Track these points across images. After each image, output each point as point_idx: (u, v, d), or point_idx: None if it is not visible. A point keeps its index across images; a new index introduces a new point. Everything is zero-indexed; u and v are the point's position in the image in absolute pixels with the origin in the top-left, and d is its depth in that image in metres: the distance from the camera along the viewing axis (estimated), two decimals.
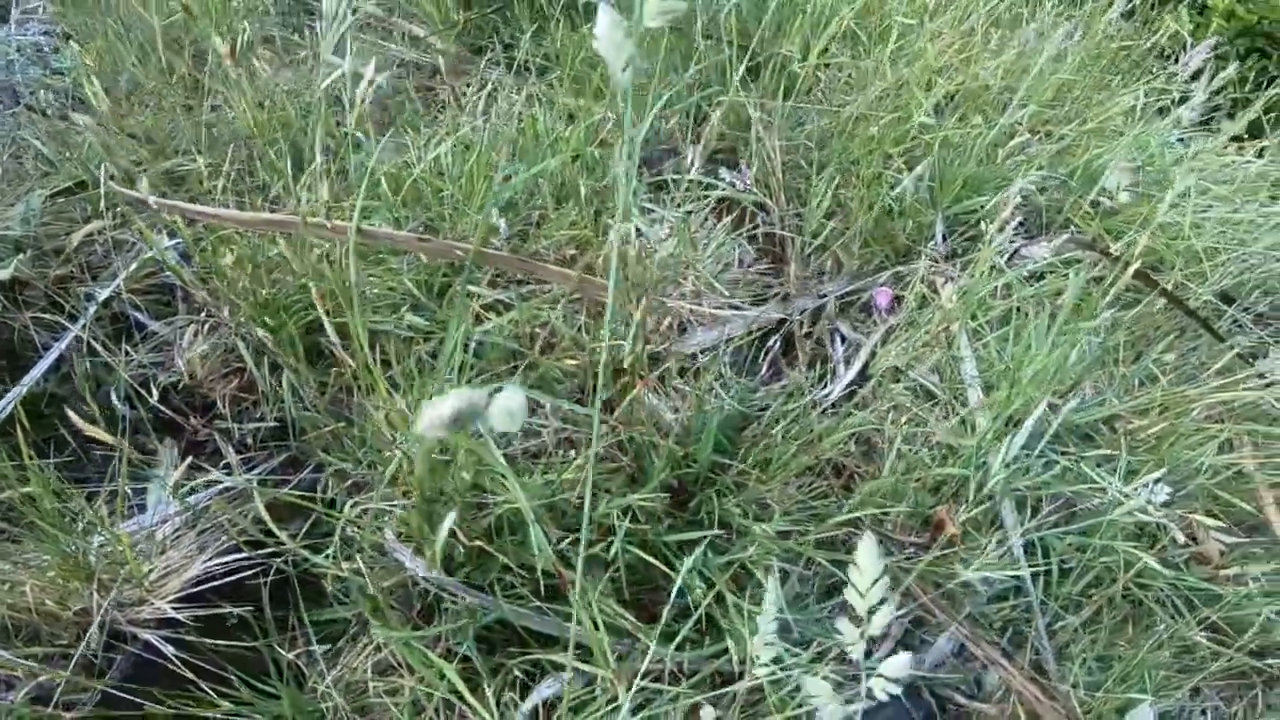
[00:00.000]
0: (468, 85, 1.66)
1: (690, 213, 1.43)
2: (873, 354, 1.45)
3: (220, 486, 1.30)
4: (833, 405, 1.42)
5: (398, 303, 1.38)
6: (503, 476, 1.09)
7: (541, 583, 1.10)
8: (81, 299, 1.40)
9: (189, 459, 1.26)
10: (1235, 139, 1.89)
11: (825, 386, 1.42)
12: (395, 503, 1.15)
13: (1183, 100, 1.84)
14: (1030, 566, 1.39)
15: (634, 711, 1.07)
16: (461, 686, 1.08)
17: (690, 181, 1.45)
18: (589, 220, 1.34)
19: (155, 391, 1.32)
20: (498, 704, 1.12)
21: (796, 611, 1.27)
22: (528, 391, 1.21)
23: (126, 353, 1.37)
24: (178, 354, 1.37)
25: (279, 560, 1.21)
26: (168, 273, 1.40)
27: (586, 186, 1.39)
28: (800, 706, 1.12)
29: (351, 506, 1.19)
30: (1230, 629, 1.53)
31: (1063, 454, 1.42)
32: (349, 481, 1.23)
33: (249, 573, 1.22)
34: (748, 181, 1.56)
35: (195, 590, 1.21)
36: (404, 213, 1.43)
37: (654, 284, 1.36)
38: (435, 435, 0.42)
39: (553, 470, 1.15)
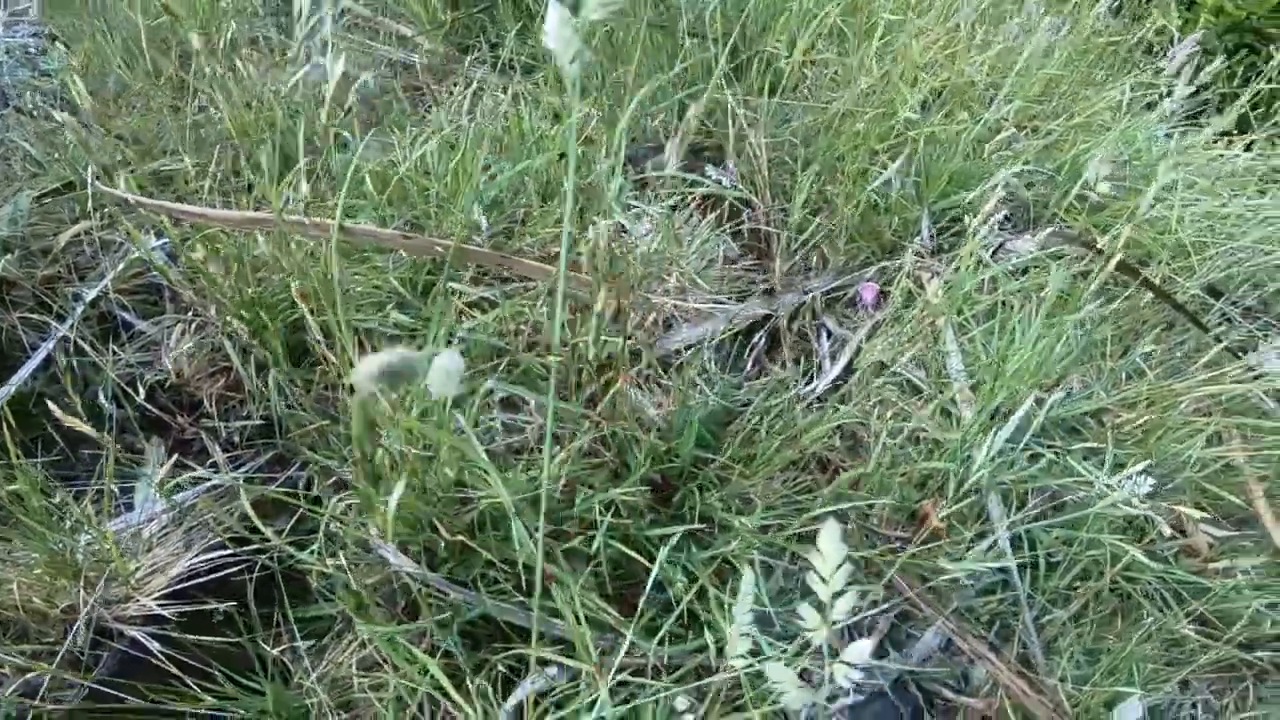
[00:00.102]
0: (454, 84, 1.67)
1: (674, 209, 1.44)
2: (858, 349, 1.45)
3: (207, 485, 1.31)
4: (818, 400, 1.42)
5: (383, 301, 1.39)
6: (484, 471, 1.10)
7: (522, 577, 1.10)
8: (69, 299, 1.41)
9: (175, 457, 1.27)
10: (1224, 134, 1.90)
11: (810, 382, 1.42)
12: (379, 498, 1.16)
13: (1169, 95, 1.84)
14: (1017, 560, 1.39)
15: (615, 706, 1.07)
16: (445, 682, 1.08)
17: (673, 178, 1.45)
18: (574, 217, 1.35)
19: (142, 390, 1.32)
20: (482, 699, 1.12)
21: (780, 605, 1.28)
22: (510, 388, 1.21)
23: (114, 352, 1.38)
24: (165, 353, 1.38)
25: (264, 557, 1.22)
26: (155, 273, 1.41)
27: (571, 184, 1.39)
28: (779, 700, 1.12)
29: (337, 503, 1.20)
30: (1219, 622, 1.53)
31: (1049, 447, 1.42)
32: (334, 478, 1.24)
33: (234, 569, 1.23)
34: (734, 179, 1.57)
35: (181, 587, 1.21)
36: (389, 211, 1.44)
37: (638, 279, 1.36)
38: (367, 389, 0.43)
39: (535, 465, 1.16)
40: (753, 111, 1.59)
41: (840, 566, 0.58)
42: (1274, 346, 1.68)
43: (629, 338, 1.36)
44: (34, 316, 1.38)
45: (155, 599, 1.21)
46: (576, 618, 1.09)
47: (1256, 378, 1.59)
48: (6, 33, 1.61)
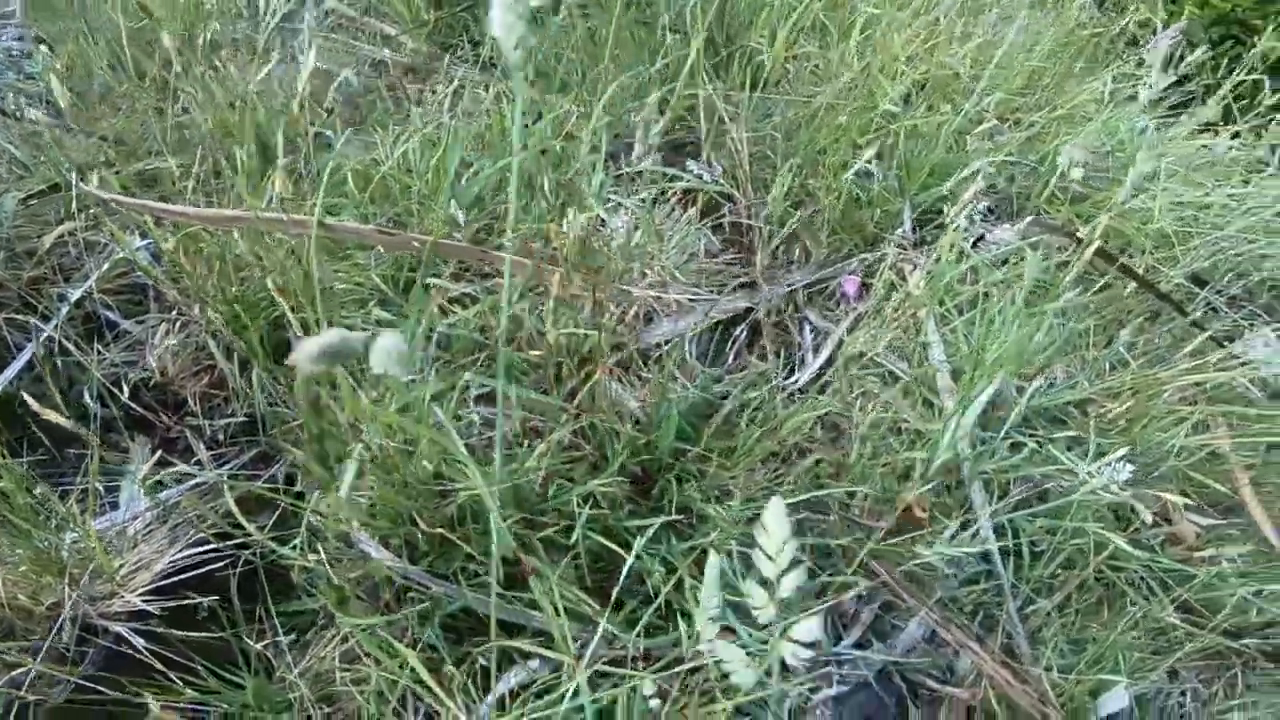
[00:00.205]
0: (438, 83, 1.68)
1: (655, 202, 1.45)
2: (840, 341, 1.46)
3: (192, 482, 1.32)
4: (799, 392, 1.43)
5: (365, 298, 1.40)
6: (461, 464, 1.10)
7: (501, 570, 1.11)
8: (54, 300, 1.42)
9: (158, 455, 1.28)
10: (1209, 126, 1.90)
11: (792, 374, 1.43)
12: (356, 492, 1.16)
13: (1149, 85, 1.85)
14: (1000, 547, 1.40)
15: (593, 695, 1.08)
16: (425, 675, 1.09)
17: (654, 172, 1.46)
18: (555, 212, 1.36)
19: (126, 389, 1.34)
20: (463, 693, 1.13)
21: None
22: (488, 382, 1.22)
23: (98, 352, 1.39)
24: (149, 352, 1.39)
25: (246, 553, 1.23)
26: (139, 272, 1.42)
27: (551, 179, 1.40)
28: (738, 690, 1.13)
29: (318, 498, 1.21)
30: (1205, 610, 1.54)
31: (1031, 437, 1.42)
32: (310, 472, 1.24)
33: (218, 565, 1.24)
34: (716, 173, 1.57)
35: (165, 583, 1.22)
36: (372, 209, 1.45)
37: (617, 272, 1.37)
38: (307, 369, 0.44)
39: (515, 459, 1.17)
40: (734, 106, 1.60)
41: (786, 544, 0.59)
42: (1259, 334, 1.69)
43: (611, 331, 1.37)
44: (19, 317, 1.39)
45: (139, 595, 1.22)
46: (555, 609, 1.10)
47: (1241, 365, 1.59)
48: None
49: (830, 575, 1.27)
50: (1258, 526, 1.66)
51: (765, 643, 0.65)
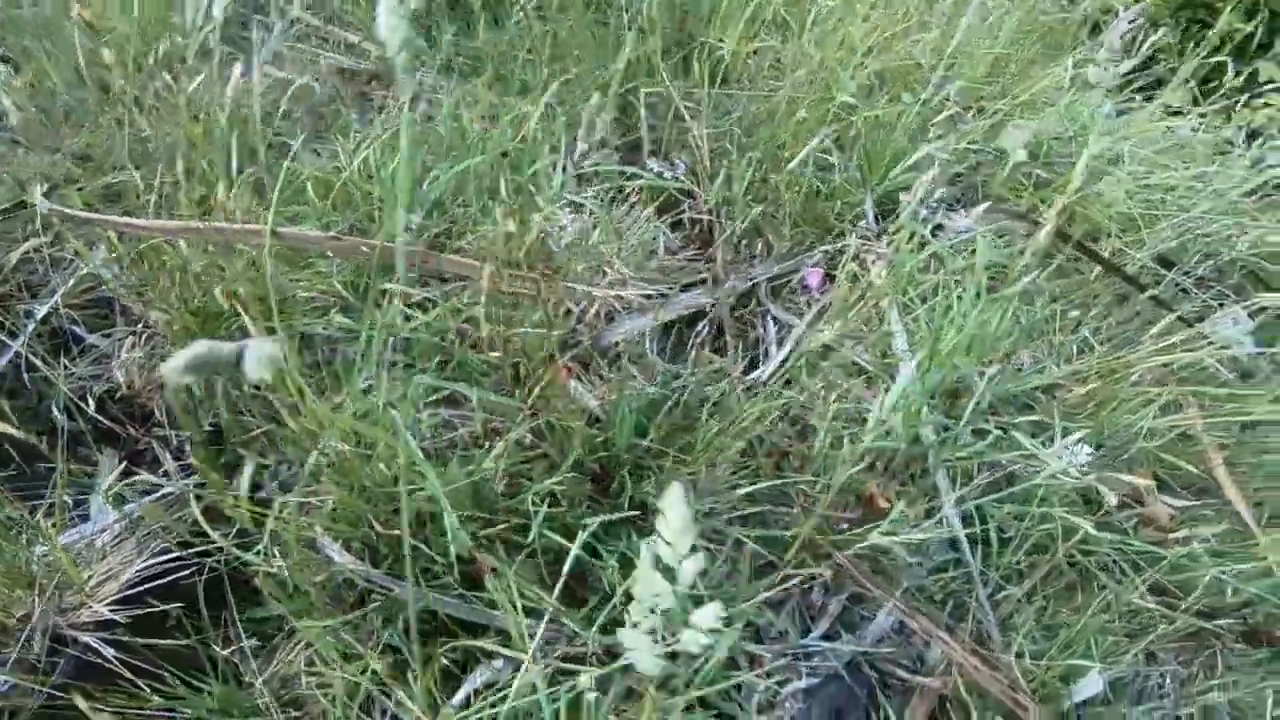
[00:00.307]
0: (419, 87, 1.69)
1: (613, 201, 1.46)
2: (804, 334, 1.47)
3: (160, 492, 1.33)
4: (764, 386, 1.43)
5: (328, 305, 1.41)
6: (415, 465, 1.11)
7: (458, 570, 1.12)
8: (21, 316, 1.44)
9: (123, 465, 1.29)
10: (1175, 113, 1.90)
11: (755, 367, 1.44)
12: (319, 498, 1.18)
13: (1127, 70, 1.85)
14: (967, 535, 1.40)
15: (550, 692, 1.09)
16: (386, 677, 1.10)
17: (611, 171, 1.47)
18: (516, 214, 1.36)
19: (92, 402, 1.35)
20: (426, 695, 1.14)
21: (729, 589, 1.29)
22: (441, 383, 1.23)
23: (66, 366, 1.41)
24: (115, 365, 1.40)
25: (211, 560, 1.24)
26: (105, 287, 1.43)
27: (510, 182, 1.41)
28: (713, 683, 1.14)
29: (281, 505, 1.22)
30: (1180, 592, 1.53)
31: (997, 423, 1.43)
32: (277, 481, 1.26)
33: (185, 573, 1.25)
34: (678, 170, 1.58)
35: (132, 592, 1.24)
36: (334, 216, 1.46)
37: (578, 272, 1.38)
38: (176, 380, 0.45)
39: (472, 460, 1.18)
40: (695, 103, 1.60)
41: (685, 530, 0.60)
42: (1229, 313, 1.69)
43: (570, 330, 1.38)
44: None
45: (107, 605, 1.23)
46: (514, 607, 1.11)
47: (1210, 345, 1.59)
48: None
49: (794, 568, 1.28)
50: (1232, 506, 1.66)
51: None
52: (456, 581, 1.18)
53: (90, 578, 1.26)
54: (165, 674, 1.17)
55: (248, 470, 0.81)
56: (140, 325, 1.43)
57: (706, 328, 1.44)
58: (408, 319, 1.35)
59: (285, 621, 1.25)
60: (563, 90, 1.51)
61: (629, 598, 1.19)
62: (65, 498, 1.32)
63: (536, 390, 1.16)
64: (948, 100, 1.62)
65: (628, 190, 1.50)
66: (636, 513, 1.15)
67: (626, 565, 1.16)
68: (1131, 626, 1.49)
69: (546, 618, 1.03)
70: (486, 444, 1.24)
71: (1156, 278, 1.71)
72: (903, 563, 1.32)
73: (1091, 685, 1.44)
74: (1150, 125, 1.76)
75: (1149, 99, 1.86)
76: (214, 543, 1.20)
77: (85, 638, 1.22)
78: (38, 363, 1.39)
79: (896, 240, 1.41)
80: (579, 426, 1.17)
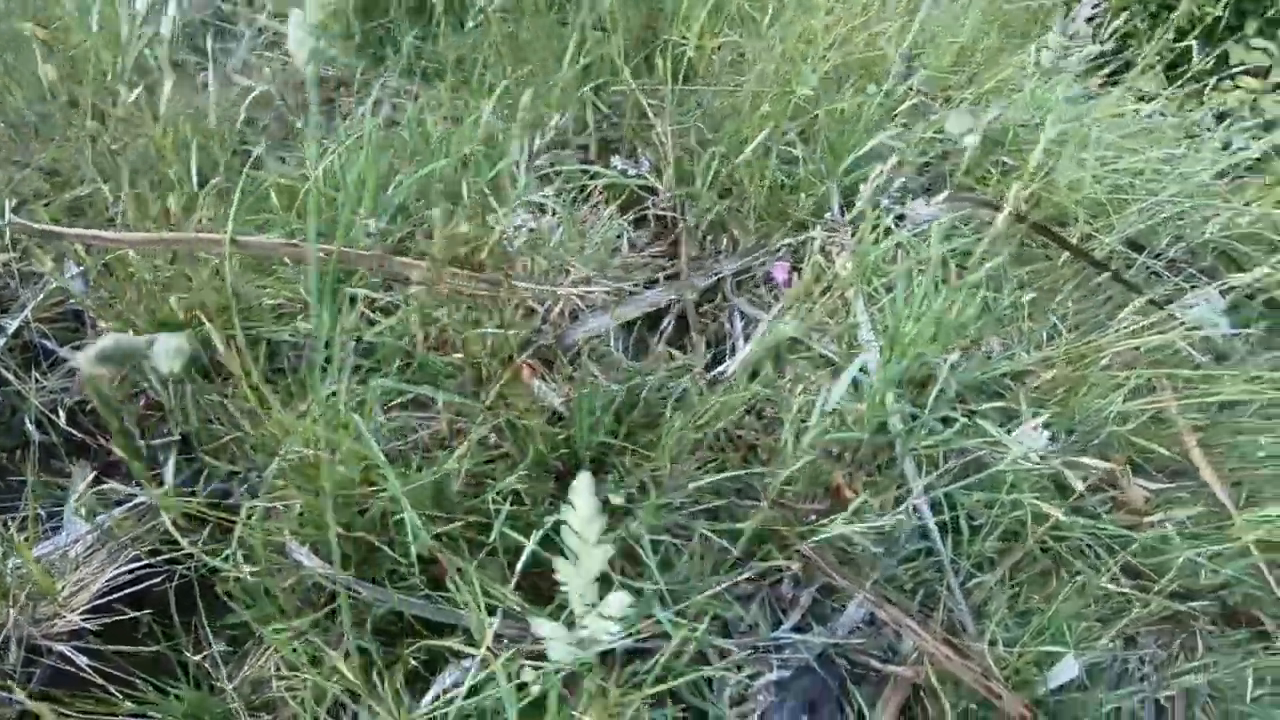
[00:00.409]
0: (367, 95, 1.71)
1: (575, 200, 1.47)
2: (770, 327, 1.47)
3: (133, 502, 1.35)
4: (729, 380, 1.44)
5: (294, 311, 1.42)
6: (379, 468, 1.13)
7: (421, 571, 1.14)
8: None
9: (93, 476, 1.31)
10: (1145, 98, 1.91)
11: (722, 362, 1.45)
12: (283, 502, 1.19)
13: (1095, 55, 1.86)
14: (937, 523, 1.41)
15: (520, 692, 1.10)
16: (352, 680, 1.11)
17: (574, 170, 1.48)
18: (475, 218, 1.38)
19: (63, 415, 1.37)
20: (394, 697, 1.15)
21: (695, 582, 1.30)
22: (408, 387, 1.25)
23: (37, 380, 1.42)
24: (86, 378, 1.42)
25: (181, 568, 1.25)
26: (74, 300, 1.45)
27: (472, 185, 1.42)
28: (679, 676, 1.15)
29: (248, 511, 1.24)
30: (1156, 575, 1.54)
31: (964, 411, 1.43)
32: (245, 487, 1.27)
33: (156, 581, 1.27)
34: (644, 168, 1.59)
35: (104, 601, 1.25)
36: (299, 223, 1.48)
37: (543, 272, 1.39)
38: (89, 371, 0.46)
39: (434, 461, 1.19)
40: (660, 100, 1.62)
41: (592, 517, 0.61)
42: (1200, 294, 1.69)
43: (535, 330, 1.39)
44: None
45: (80, 614, 1.25)
46: (477, 606, 1.12)
47: (1181, 326, 1.60)
48: None
49: (760, 561, 1.29)
50: (1209, 488, 1.66)
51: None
52: (422, 582, 1.20)
53: (63, 588, 1.28)
54: (137, 680, 1.19)
55: (170, 464, 0.82)
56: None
57: (671, 323, 1.45)
58: (371, 323, 1.36)
59: (256, 626, 1.27)
60: (524, 91, 1.52)
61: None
62: (38, 510, 1.34)
63: (495, 390, 1.17)
64: (911, 90, 1.63)
65: (590, 189, 1.51)
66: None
67: None
68: (1106, 611, 1.50)
69: (500, 614, 1.04)
70: (451, 445, 1.26)
71: (1127, 261, 1.71)
72: (871, 553, 1.33)
73: (1067, 671, 1.44)
74: (1117, 110, 1.76)
75: (1118, 84, 1.86)
76: (183, 550, 1.22)
77: (59, 647, 1.24)
78: (9, 377, 1.41)
79: (860, 229, 1.42)
80: (538, 425, 1.18)
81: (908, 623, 1.35)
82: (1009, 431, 1.44)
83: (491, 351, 1.25)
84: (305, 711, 1.17)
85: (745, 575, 1.30)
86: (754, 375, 1.44)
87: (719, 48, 1.74)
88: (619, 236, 1.46)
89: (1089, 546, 1.54)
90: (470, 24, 1.56)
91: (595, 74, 1.68)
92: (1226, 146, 1.85)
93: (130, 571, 1.26)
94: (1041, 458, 1.26)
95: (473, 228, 1.22)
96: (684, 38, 1.69)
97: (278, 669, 1.17)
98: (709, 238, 1.55)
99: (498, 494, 1.13)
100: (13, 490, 1.43)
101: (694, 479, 1.21)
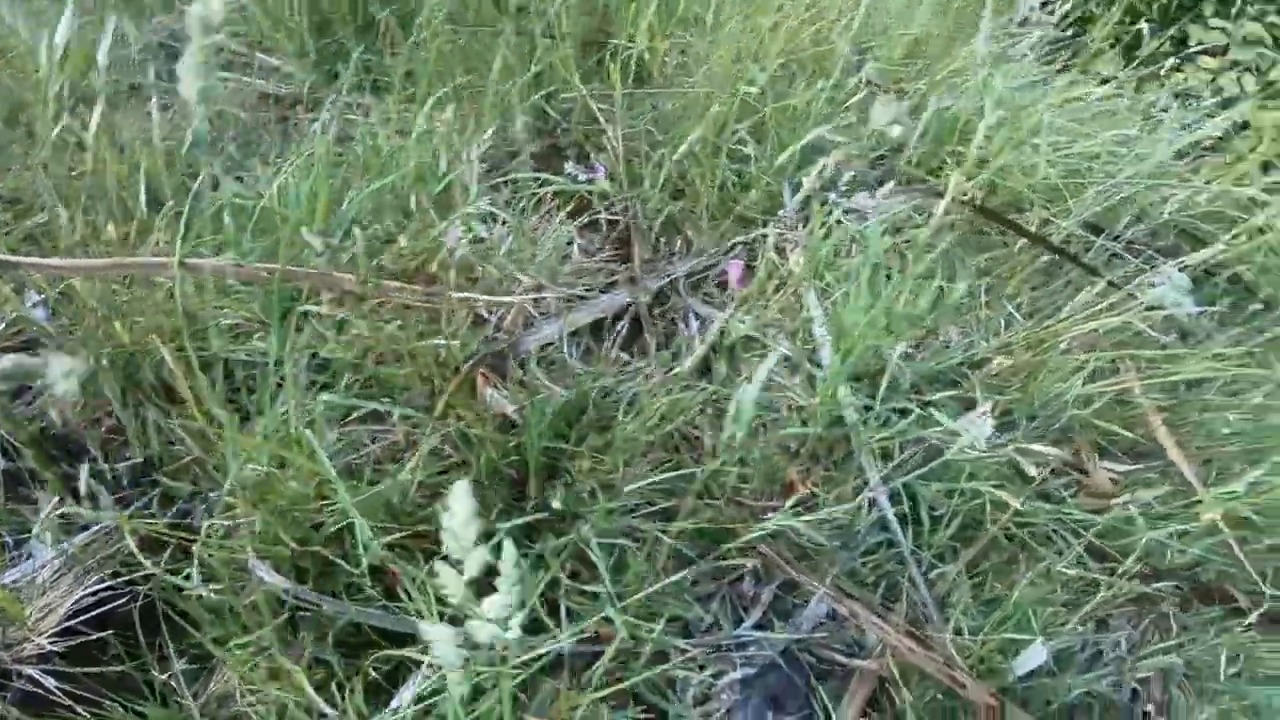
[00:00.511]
0: (324, 112, 1.73)
1: (525, 209, 1.49)
2: (725, 326, 1.49)
3: (97, 526, 1.38)
4: (686, 380, 1.46)
5: (252, 330, 1.45)
6: (330, 483, 1.15)
7: (377, 582, 1.16)
8: None
9: (56, 500, 1.34)
10: (1104, 82, 1.92)
11: (677, 363, 1.47)
12: (241, 520, 1.22)
13: (1053, 41, 1.87)
14: (897, 514, 1.42)
15: (475, 697, 1.12)
16: (312, 694, 1.14)
17: (527, 178, 1.50)
18: (421, 232, 1.40)
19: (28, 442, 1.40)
20: (356, 708, 1.18)
21: (651, 583, 1.32)
22: (357, 402, 1.27)
23: (1, 408, 1.45)
24: (50, 404, 1.45)
25: (144, 588, 1.28)
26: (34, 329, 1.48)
27: (423, 198, 1.45)
28: (635, 676, 1.17)
29: (207, 529, 1.26)
30: (1124, 558, 1.55)
31: (919, 402, 1.45)
32: (204, 507, 1.30)
33: (121, 602, 1.30)
34: (599, 173, 1.61)
35: (71, 624, 1.28)
36: (255, 243, 1.50)
37: (498, 281, 1.41)
38: None
39: (387, 474, 1.21)
40: (610, 105, 1.64)
41: (469, 521, 0.63)
42: (1164, 274, 1.70)
43: (486, 339, 1.41)
44: None
45: (48, 638, 1.28)
46: (431, 614, 1.15)
47: (1142, 306, 1.61)
48: None
49: (715, 560, 1.31)
50: (1176, 468, 1.68)
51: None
52: (378, 593, 1.22)
53: (31, 614, 1.31)
54: (105, 701, 1.22)
55: (84, 472, 0.85)
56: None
57: (625, 327, 1.47)
58: (326, 339, 1.38)
59: (220, 643, 1.29)
60: (475, 101, 1.55)
61: (547, 601, 1.23)
62: (5, 537, 1.37)
63: (443, 401, 1.19)
64: (862, 84, 1.64)
65: (542, 196, 1.53)
66: (545, 515, 1.19)
67: (540, 566, 1.19)
68: (1072, 596, 1.51)
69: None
70: (405, 457, 1.28)
71: (1086, 245, 1.73)
72: (829, 547, 1.35)
73: (1035, 657, 1.45)
74: (1072, 94, 1.77)
75: (1073, 69, 1.87)
76: (147, 570, 1.25)
77: (29, 670, 1.27)
78: None
79: (810, 227, 1.44)
80: (489, 433, 1.21)
81: (867, 616, 1.37)
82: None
83: (440, 363, 1.28)
84: None
85: (701, 574, 1.32)
86: (705, 373, 1.46)
87: (670, 50, 1.76)
88: (569, 243, 1.48)
89: (1055, 532, 1.55)
90: (416, 37, 1.58)
91: (547, 81, 1.70)
92: (1186, 127, 1.86)
93: (95, 594, 1.29)
94: (995, 446, 1.28)
95: (415, 241, 1.24)
96: (631, 40, 1.70)
97: (242, 685, 1.20)
98: (662, 240, 1.57)
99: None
100: None
101: (646, 480, 1.23)
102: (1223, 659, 1.58)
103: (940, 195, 1.24)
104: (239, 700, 1.24)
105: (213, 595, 1.24)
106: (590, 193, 1.59)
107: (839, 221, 1.46)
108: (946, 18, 1.83)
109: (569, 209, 1.54)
